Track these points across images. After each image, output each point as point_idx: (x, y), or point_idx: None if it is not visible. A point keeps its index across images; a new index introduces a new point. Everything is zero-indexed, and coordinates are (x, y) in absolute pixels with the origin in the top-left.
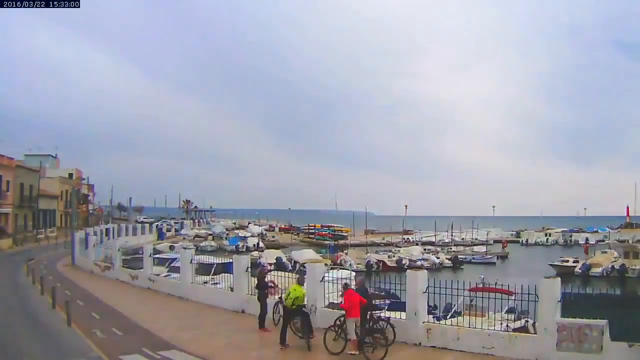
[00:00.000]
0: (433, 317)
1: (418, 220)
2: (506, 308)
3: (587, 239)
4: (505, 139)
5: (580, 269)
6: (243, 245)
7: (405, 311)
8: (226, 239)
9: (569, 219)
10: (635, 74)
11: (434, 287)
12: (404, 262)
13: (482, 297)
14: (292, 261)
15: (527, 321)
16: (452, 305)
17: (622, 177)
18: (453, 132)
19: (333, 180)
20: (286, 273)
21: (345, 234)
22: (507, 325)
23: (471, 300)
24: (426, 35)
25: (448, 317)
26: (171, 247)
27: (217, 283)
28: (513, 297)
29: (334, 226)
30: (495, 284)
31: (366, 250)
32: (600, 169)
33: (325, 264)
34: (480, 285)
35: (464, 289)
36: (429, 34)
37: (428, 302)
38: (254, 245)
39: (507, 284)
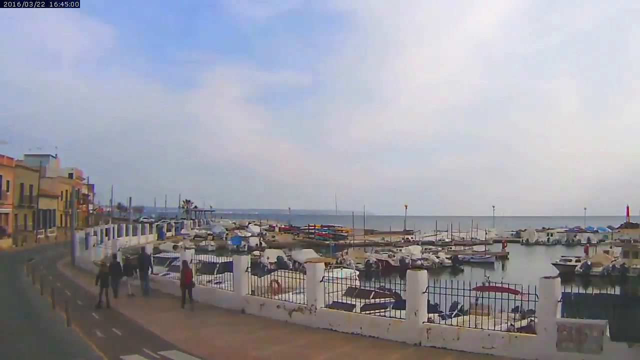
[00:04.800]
0: (438, 316)
1: (418, 220)
2: (511, 307)
3: (588, 239)
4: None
5: (580, 268)
6: (245, 245)
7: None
8: (227, 239)
9: (570, 219)
10: None
11: (440, 287)
12: (407, 261)
13: (488, 298)
14: (293, 261)
15: (532, 321)
16: (458, 304)
17: None
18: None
19: (333, 180)
20: (290, 272)
21: (346, 234)
22: (512, 325)
23: (476, 300)
24: None
25: (453, 315)
26: (175, 247)
27: (219, 282)
28: (519, 297)
29: (334, 226)
30: (502, 283)
31: (364, 249)
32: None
33: (330, 264)
34: (487, 285)
35: (469, 289)
36: None
37: (432, 301)
38: (257, 245)
39: (512, 283)
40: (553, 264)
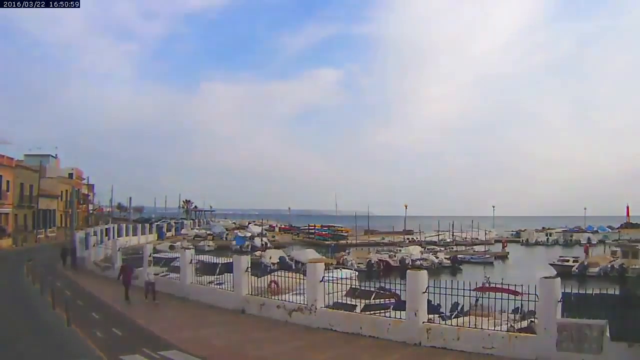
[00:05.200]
0: (439, 316)
1: (418, 220)
2: (512, 308)
3: (588, 239)
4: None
5: (577, 268)
6: (248, 245)
7: None
8: (227, 239)
9: (570, 219)
10: None
11: (440, 287)
12: (407, 261)
13: (488, 298)
14: (294, 261)
15: (532, 321)
16: (458, 305)
17: None
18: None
19: (333, 180)
20: (289, 273)
21: (346, 234)
22: (512, 325)
23: (477, 300)
24: None
25: (453, 316)
26: (171, 247)
27: (221, 283)
28: (519, 298)
29: (334, 226)
30: (502, 284)
31: (368, 250)
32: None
33: (330, 264)
34: (487, 285)
35: (469, 289)
36: None
37: (433, 302)
38: (261, 245)
39: (512, 284)
40: (550, 264)
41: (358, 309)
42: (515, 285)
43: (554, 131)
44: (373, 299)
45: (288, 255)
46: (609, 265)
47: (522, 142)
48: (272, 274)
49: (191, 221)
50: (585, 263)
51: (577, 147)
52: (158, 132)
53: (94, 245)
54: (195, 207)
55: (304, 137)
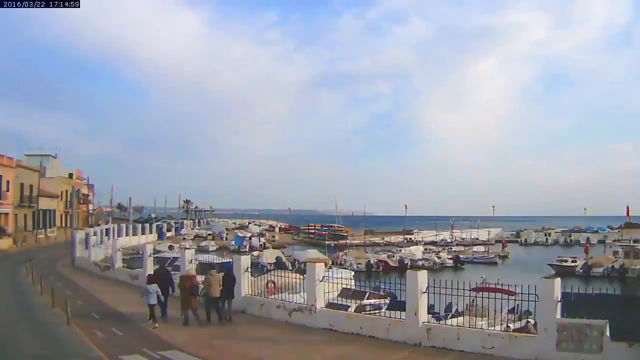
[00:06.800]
0: (432, 317)
1: (418, 220)
2: (507, 308)
3: (588, 239)
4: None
5: (581, 268)
6: (246, 245)
7: (405, 311)
8: (227, 239)
9: (570, 219)
10: None
11: (434, 287)
12: (406, 262)
13: (483, 297)
14: (296, 261)
15: (528, 321)
16: (453, 305)
17: None
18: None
19: (333, 180)
20: (286, 273)
21: (346, 234)
22: (508, 326)
23: (473, 300)
24: None
25: (449, 317)
26: (170, 247)
27: None
28: (514, 298)
29: (333, 226)
30: (496, 284)
31: (365, 249)
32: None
33: (325, 264)
34: (482, 285)
35: (464, 289)
36: None
37: (428, 302)
38: (260, 245)
39: (508, 284)
40: (549, 265)
41: (351, 309)
42: (509, 285)
43: (553, 131)
44: (366, 299)
45: (289, 256)
46: (611, 266)
47: (521, 143)
48: (269, 273)
49: (191, 221)
50: (589, 263)
51: (576, 147)
52: (158, 132)
53: (94, 246)
54: (196, 207)
55: (305, 138)
